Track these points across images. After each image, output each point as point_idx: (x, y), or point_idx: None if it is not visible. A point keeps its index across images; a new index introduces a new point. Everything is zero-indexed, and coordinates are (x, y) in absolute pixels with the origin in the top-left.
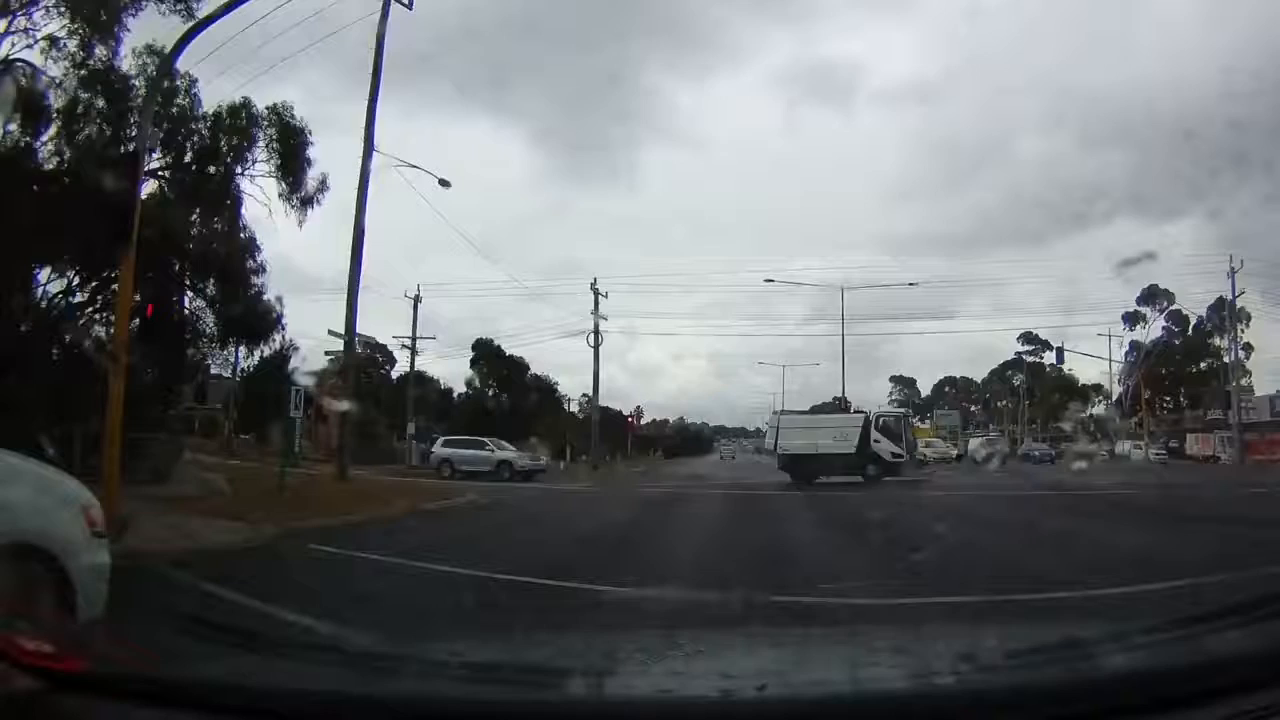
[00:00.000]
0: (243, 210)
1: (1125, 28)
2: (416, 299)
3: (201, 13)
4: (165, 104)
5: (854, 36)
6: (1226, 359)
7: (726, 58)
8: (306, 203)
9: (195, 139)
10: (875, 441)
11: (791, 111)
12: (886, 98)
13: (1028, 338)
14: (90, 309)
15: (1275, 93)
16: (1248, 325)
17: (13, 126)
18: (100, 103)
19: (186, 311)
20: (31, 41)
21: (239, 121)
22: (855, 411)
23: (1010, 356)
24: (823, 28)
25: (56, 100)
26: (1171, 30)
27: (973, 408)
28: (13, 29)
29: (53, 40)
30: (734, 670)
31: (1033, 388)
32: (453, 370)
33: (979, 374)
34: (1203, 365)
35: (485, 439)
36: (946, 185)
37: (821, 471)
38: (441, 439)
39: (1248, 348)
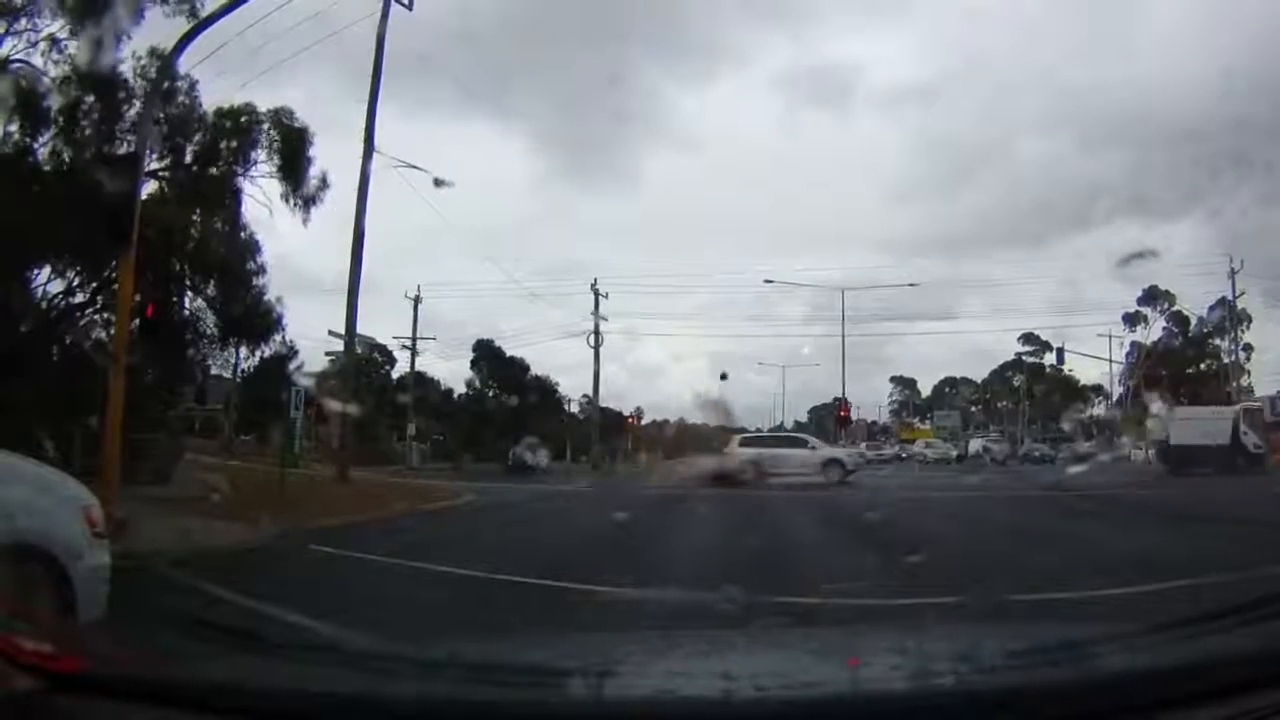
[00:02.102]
0: (243, 210)
1: (1125, 27)
2: (416, 299)
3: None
4: (166, 105)
5: (854, 38)
6: (1227, 359)
7: (726, 59)
8: (308, 204)
9: (196, 140)
10: (1244, 434)
11: (791, 113)
12: (886, 99)
13: (1028, 338)
14: (90, 309)
15: (1275, 93)
16: (1248, 326)
17: (13, 127)
18: (101, 103)
19: (187, 312)
20: (32, 42)
21: (240, 124)
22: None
23: (1010, 357)
24: (822, 29)
25: (56, 101)
26: (1171, 30)
27: (973, 408)
28: (14, 30)
29: (53, 41)
30: (734, 670)
31: (1033, 388)
32: (453, 370)
33: (979, 374)
34: (1203, 366)
35: (803, 435)
36: (947, 185)
37: (1198, 463)
38: (739, 438)
39: (1248, 348)
